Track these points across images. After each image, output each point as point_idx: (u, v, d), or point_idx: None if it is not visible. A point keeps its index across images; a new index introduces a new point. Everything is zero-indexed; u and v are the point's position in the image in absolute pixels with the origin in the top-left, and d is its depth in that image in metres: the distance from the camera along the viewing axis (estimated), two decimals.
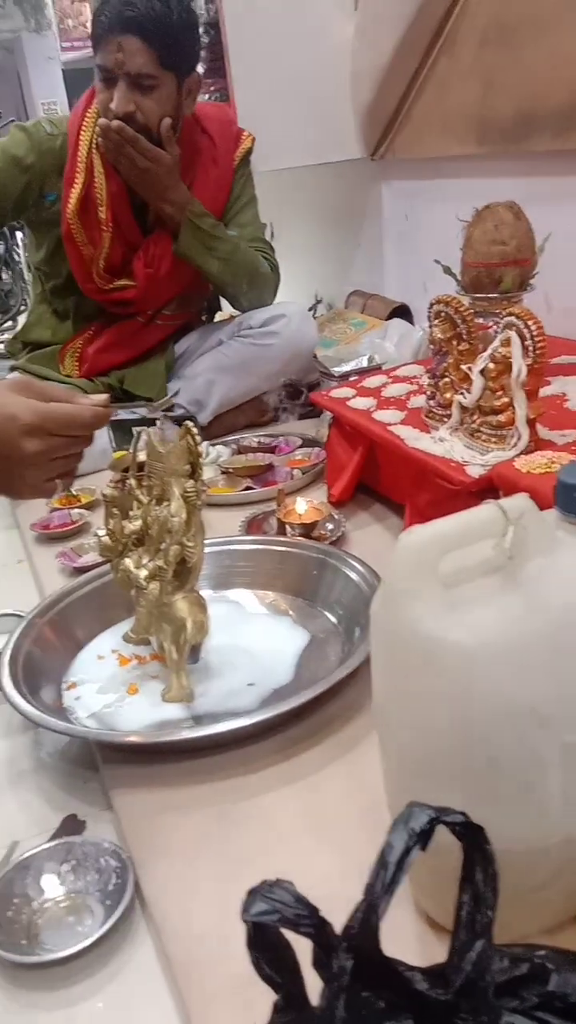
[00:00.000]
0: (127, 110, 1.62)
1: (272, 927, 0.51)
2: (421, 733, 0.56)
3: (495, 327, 1.18)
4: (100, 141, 1.69)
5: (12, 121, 5.10)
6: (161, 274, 1.83)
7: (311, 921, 0.49)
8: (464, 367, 1.21)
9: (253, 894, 0.50)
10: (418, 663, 0.55)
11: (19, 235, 4.99)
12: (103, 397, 0.86)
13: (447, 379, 1.25)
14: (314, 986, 0.53)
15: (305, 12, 2.03)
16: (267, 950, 0.51)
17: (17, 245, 5.04)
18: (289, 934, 0.51)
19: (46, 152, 1.76)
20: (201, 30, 2.19)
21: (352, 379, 1.66)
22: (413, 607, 0.54)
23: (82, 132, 1.75)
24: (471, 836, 0.51)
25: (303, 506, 1.35)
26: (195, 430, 0.99)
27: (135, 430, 1.82)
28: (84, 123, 1.76)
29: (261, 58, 2.04)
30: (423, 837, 0.50)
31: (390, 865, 0.49)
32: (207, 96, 2.26)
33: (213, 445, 1.78)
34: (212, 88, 2.25)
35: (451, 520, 0.54)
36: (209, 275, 1.85)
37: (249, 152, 1.89)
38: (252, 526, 1.41)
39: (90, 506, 1.61)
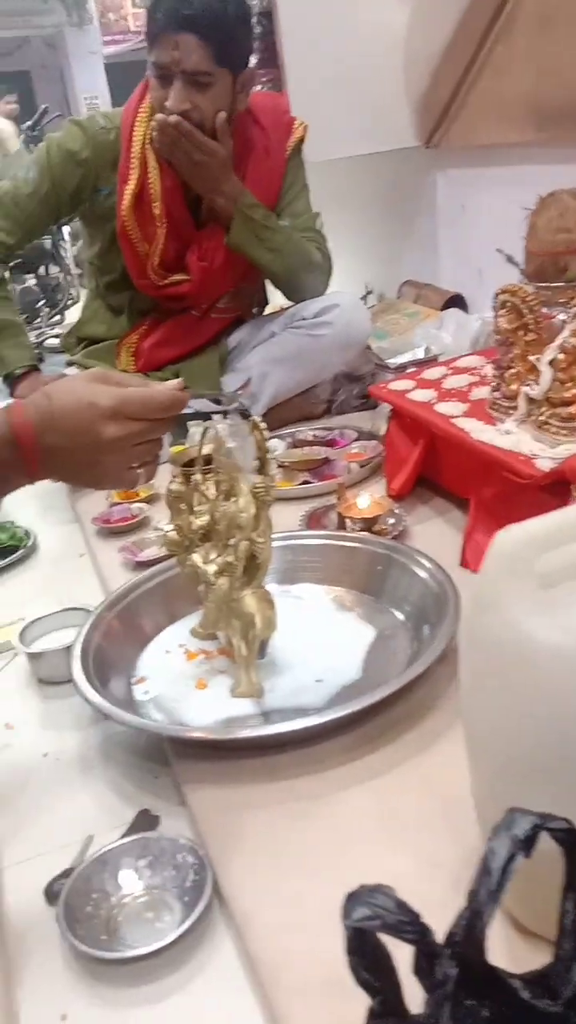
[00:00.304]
0: (183, 108, 1.62)
1: (371, 932, 0.50)
2: (514, 735, 0.55)
3: (563, 316, 1.16)
4: (155, 136, 1.69)
5: (58, 116, 5.16)
6: (215, 268, 1.83)
7: (414, 928, 0.48)
8: (531, 358, 1.19)
9: (353, 899, 0.49)
10: (513, 665, 0.54)
11: (66, 230, 5.04)
12: (177, 382, 0.86)
13: (513, 370, 1.23)
14: (410, 992, 0.52)
15: (359, 0, 2.00)
16: (366, 955, 0.51)
17: (64, 240, 5.08)
18: (388, 940, 0.51)
19: (100, 146, 1.77)
20: (254, 20, 2.19)
21: (409, 371, 1.64)
22: (509, 608, 0.53)
23: (135, 127, 1.75)
24: (575, 843, 0.50)
25: (365, 500, 1.34)
26: (263, 425, 0.98)
27: (190, 424, 1.84)
28: (137, 118, 1.76)
29: (314, 47, 2.02)
30: (527, 844, 0.49)
31: (494, 872, 0.48)
32: (260, 87, 2.25)
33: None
34: (265, 79, 2.24)
35: (547, 519, 0.53)
36: (262, 266, 1.85)
37: (301, 141, 1.87)
38: (312, 520, 1.40)
39: (149, 500, 1.62)
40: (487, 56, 1.85)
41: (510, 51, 1.78)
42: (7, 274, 1.84)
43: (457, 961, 0.47)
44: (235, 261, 1.84)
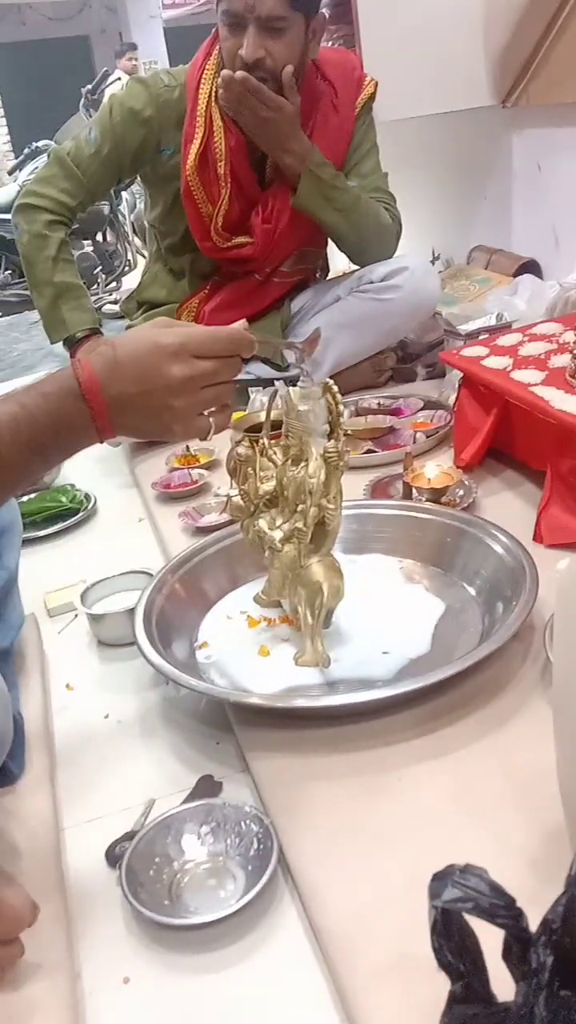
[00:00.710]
0: (258, 55, 1.57)
1: (458, 914, 0.48)
2: None
3: None
4: (221, 94, 1.65)
5: (117, 79, 5.12)
6: (280, 230, 1.79)
7: (508, 912, 0.45)
8: None
9: (442, 879, 0.47)
10: None
11: (124, 195, 5.02)
12: (242, 322, 0.83)
13: None
14: (496, 978, 0.50)
15: None
16: (451, 938, 0.48)
17: (122, 205, 5.07)
18: (473, 922, 0.48)
19: (164, 104, 1.73)
20: None
21: (482, 337, 1.58)
22: None
23: (201, 86, 1.71)
24: None
25: (433, 470, 1.30)
26: (335, 388, 0.95)
27: (251, 391, 1.81)
28: (203, 76, 1.71)
29: (389, 2, 1.94)
30: None
31: None
32: (331, 43, 2.18)
33: None
34: (337, 35, 2.17)
35: None
36: (328, 227, 1.80)
37: (371, 99, 1.81)
38: (377, 490, 1.37)
39: (209, 466, 1.60)
40: (572, 10, 1.76)
41: None
42: (69, 237, 1.82)
43: (553, 949, 0.44)
44: (299, 223, 1.79)
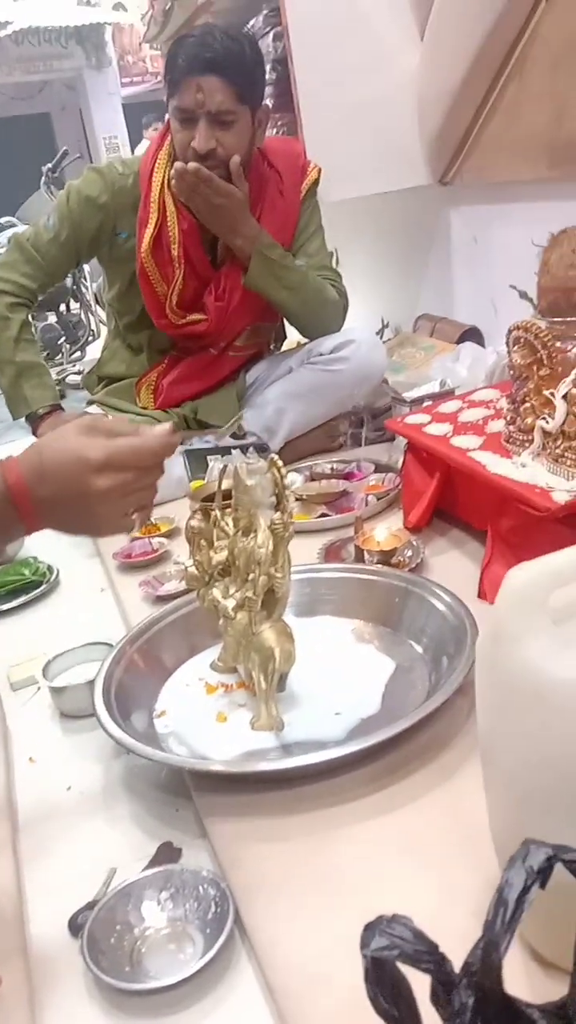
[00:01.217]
0: (210, 147, 1.68)
1: (390, 962, 0.51)
2: (531, 769, 0.56)
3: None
4: (174, 183, 1.74)
5: (78, 157, 5.28)
6: (232, 307, 1.87)
7: (431, 957, 0.49)
8: (546, 392, 1.20)
9: (371, 929, 0.50)
10: (529, 700, 0.55)
11: (86, 268, 5.13)
12: (168, 425, 0.87)
13: (528, 404, 1.24)
14: (429, 1021, 0.53)
15: (370, 44, 2.06)
16: (384, 985, 0.52)
17: (85, 278, 5.17)
18: (405, 968, 0.52)
19: (119, 191, 1.83)
20: (269, 67, 2.25)
21: (425, 404, 1.66)
22: (523, 644, 0.54)
23: (154, 174, 1.82)
24: None
25: (382, 533, 1.35)
26: (280, 463, 1.01)
27: (210, 459, 1.87)
28: (156, 164, 1.82)
29: (328, 91, 2.08)
30: (542, 875, 0.50)
31: (509, 903, 0.49)
32: (275, 131, 2.31)
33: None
34: (280, 122, 2.30)
35: (561, 555, 0.55)
36: (279, 305, 1.88)
37: (315, 183, 1.92)
38: (330, 553, 1.42)
39: (169, 535, 1.64)
40: (499, 96, 1.89)
41: (522, 91, 1.82)
42: (30, 317, 1.89)
43: (474, 990, 0.48)
44: (251, 301, 1.87)
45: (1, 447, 3.35)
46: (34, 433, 1.84)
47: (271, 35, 2.20)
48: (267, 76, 2.28)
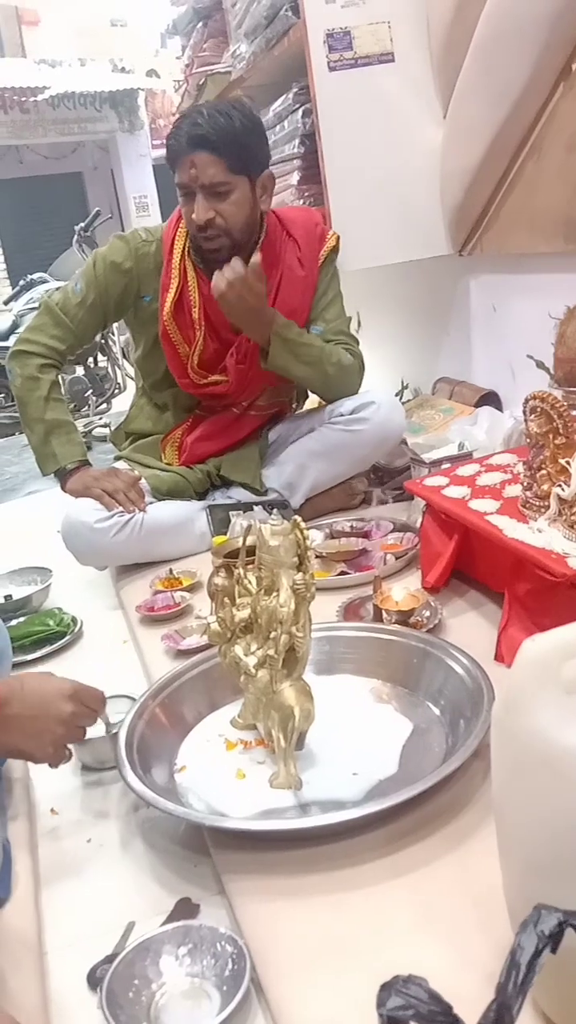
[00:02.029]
0: (208, 217, 1.75)
1: (405, 1022, 0.53)
2: (544, 835, 0.58)
3: None
4: (216, 295, 1.77)
5: (110, 218, 5.45)
6: (253, 370, 1.93)
7: (445, 1018, 0.50)
8: (562, 460, 1.24)
9: (387, 989, 0.52)
10: (540, 768, 0.57)
11: (114, 324, 5.26)
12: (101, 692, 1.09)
13: (544, 471, 1.28)
14: None
15: (396, 121, 2.15)
16: None
17: (112, 332, 5.30)
18: None
19: (142, 256, 1.92)
20: (297, 141, 2.35)
21: (444, 467, 1.70)
22: (536, 714, 0.56)
23: (176, 242, 1.90)
24: None
25: (400, 593, 1.38)
26: (303, 525, 1.04)
27: (232, 515, 1.91)
28: (177, 233, 1.91)
29: (354, 165, 2.16)
30: (553, 939, 0.52)
31: (521, 967, 0.51)
32: (303, 201, 2.40)
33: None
34: (307, 193, 2.38)
35: (574, 627, 0.57)
36: (299, 379, 1.95)
37: (334, 251, 1.98)
38: (349, 611, 1.44)
39: (191, 588, 1.68)
40: (518, 172, 1.96)
41: (539, 168, 1.89)
42: (60, 377, 1.96)
43: None
44: None
45: (25, 498, 3.43)
46: (63, 487, 1.89)
47: (300, 111, 2.30)
48: (295, 149, 2.38)
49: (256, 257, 1.76)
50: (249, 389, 1.97)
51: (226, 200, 1.75)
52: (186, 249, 1.88)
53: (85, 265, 1.96)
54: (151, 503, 1.87)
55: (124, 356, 5.23)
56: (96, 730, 1.20)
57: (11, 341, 5.65)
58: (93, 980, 0.83)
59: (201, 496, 1.98)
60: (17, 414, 2.00)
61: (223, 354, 1.93)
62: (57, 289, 1.99)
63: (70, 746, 1.04)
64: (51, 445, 1.88)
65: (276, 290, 1.88)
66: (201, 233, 1.77)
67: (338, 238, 1.98)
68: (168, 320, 1.89)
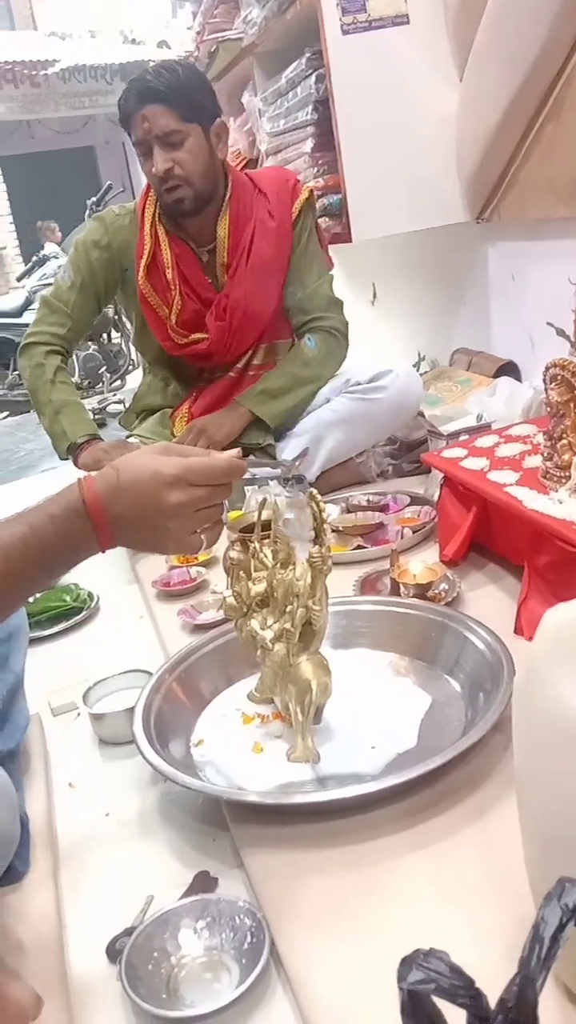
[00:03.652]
0: (167, 167, 1.78)
1: (426, 996, 0.52)
2: (567, 808, 0.57)
3: None
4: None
5: (121, 191, 5.40)
6: (234, 326, 1.93)
7: (467, 992, 0.50)
8: None
9: (408, 962, 0.51)
10: (563, 740, 0.56)
11: (109, 304, 5.24)
12: (236, 451, 0.91)
13: (564, 441, 1.25)
14: None
15: (411, 85, 2.10)
16: (420, 1019, 0.52)
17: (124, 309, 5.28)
18: (440, 1003, 0.52)
19: (117, 229, 1.95)
20: (311, 107, 2.31)
21: (462, 439, 1.67)
22: (558, 685, 0.55)
23: (146, 209, 1.93)
24: None
25: (418, 566, 1.36)
26: (319, 497, 1.03)
27: (247, 489, 1.90)
28: (148, 201, 1.93)
29: (368, 130, 2.12)
30: None
31: (545, 940, 0.50)
32: (316, 169, 2.36)
33: None
34: (321, 161, 2.34)
35: None
36: (300, 404, 1.98)
37: (307, 203, 1.97)
38: (366, 585, 1.43)
39: (207, 564, 1.67)
40: (537, 136, 1.91)
41: (559, 131, 1.84)
42: (71, 361, 1.98)
43: None
44: (255, 320, 1.94)
45: (40, 475, 3.43)
46: (75, 463, 1.88)
47: (313, 77, 2.25)
48: (308, 116, 2.34)
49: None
50: (234, 347, 1.97)
51: (182, 148, 1.79)
52: (156, 214, 1.92)
53: (69, 254, 2.02)
54: None
55: None
56: (113, 705, 1.21)
57: (25, 318, 5.67)
58: (112, 953, 0.83)
59: None
60: None
61: (204, 314, 1.93)
62: (50, 283, 2.04)
63: (214, 528, 0.88)
64: (60, 424, 1.90)
65: (250, 244, 1.91)
66: (163, 185, 1.81)
67: (311, 191, 2.00)
68: (143, 282, 1.93)
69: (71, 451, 1.89)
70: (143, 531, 0.83)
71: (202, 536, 0.87)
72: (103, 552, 0.84)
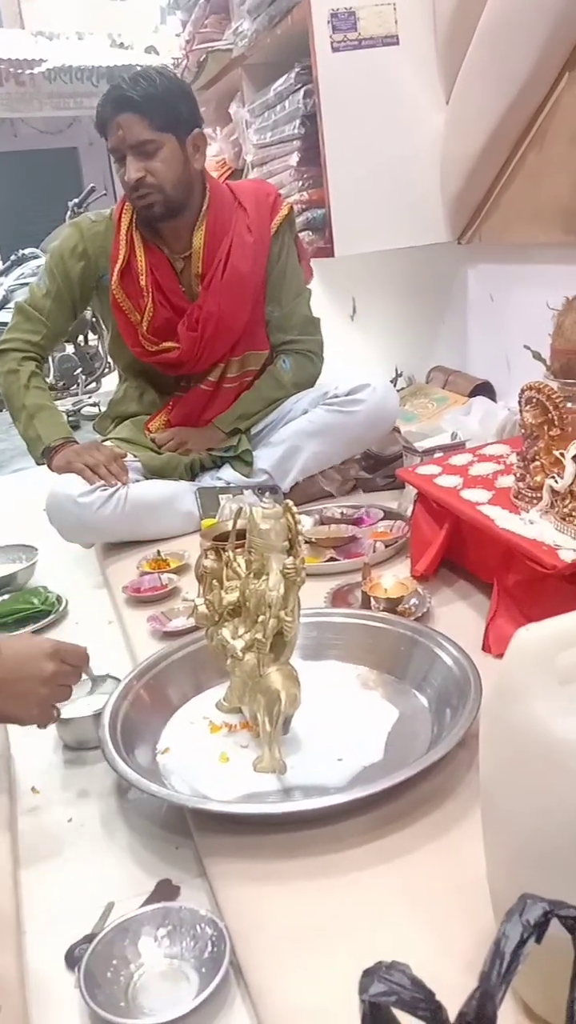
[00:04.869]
0: (138, 176, 1.78)
1: (387, 1008, 0.53)
2: (532, 824, 0.58)
3: None
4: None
5: (104, 195, 5.39)
6: (206, 336, 1.93)
7: (428, 1005, 0.50)
8: (556, 452, 1.23)
9: (370, 974, 0.52)
10: (533, 758, 0.57)
11: (85, 311, 5.22)
12: (85, 648, 1.08)
13: (538, 462, 1.27)
14: None
15: (398, 105, 2.13)
16: None
17: None
18: (401, 1015, 0.53)
19: (93, 236, 1.95)
20: (298, 121, 2.33)
21: (436, 455, 1.69)
22: (529, 704, 0.56)
23: (123, 216, 1.93)
24: None
25: (389, 580, 1.37)
26: (295, 509, 1.03)
27: (221, 497, 1.90)
28: (124, 209, 1.94)
29: (354, 148, 2.14)
30: (538, 929, 0.52)
31: (506, 955, 0.51)
32: (301, 183, 2.38)
33: None
34: (306, 175, 2.36)
35: (569, 617, 0.57)
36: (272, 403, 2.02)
37: (287, 220, 1.98)
38: (337, 598, 1.44)
39: (178, 571, 1.66)
40: (520, 161, 1.95)
41: (541, 158, 1.88)
42: (40, 367, 1.98)
43: None
44: (228, 330, 1.94)
45: (11, 475, 3.40)
46: (49, 467, 1.87)
47: (302, 91, 2.27)
48: (295, 130, 2.36)
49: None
50: (206, 357, 1.97)
51: (155, 158, 1.80)
52: (133, 221, 1.93)
53: (45, 261, 2.02)
54: (138, 481, 1.87)
55: None
56: (79, 710, 1.20)
57: (0, 315, 5.60)
58: (71, 959, 0.82)
59: (191, 477, 1.97)
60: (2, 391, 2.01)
61: (176, 322, 1.93)
62: (27, 283, 2.03)
63: (57, 709, 1.03)
64: (35, 428, 1.90)
65: (226, 257, 1.91)
66: (135, 193, 1.82)
67: (291, 208, 2.00)
68: (116, 288, 1.93)
69: (45, 454, 1.89)
70: (13, 694, 0.98)
71: (55, 709, 1.03)
72: None
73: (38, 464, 1.95)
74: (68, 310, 2.00)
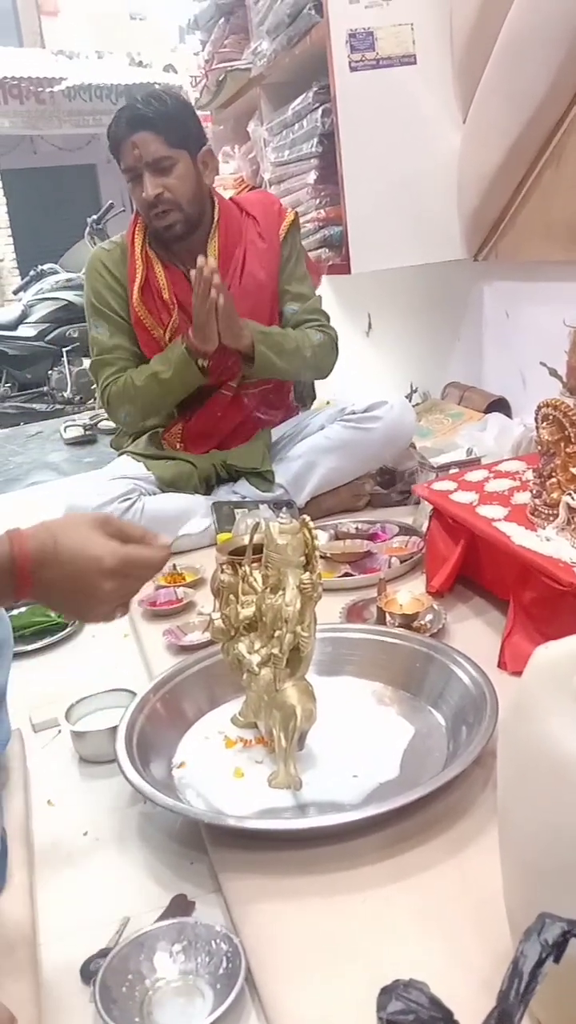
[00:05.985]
0: (156, 192, 1.82)
1: None
2: (551, 843, 0.58)
3: None
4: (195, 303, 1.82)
5: (121, 211, 5.45)
6: (225, 345, 1.93)
7: None
8: (572, 469, 1.23)
9: (388, 992, 0.52)
10: (550, 776, 0.57)
11: None
12: (168, 542, 0.92)
13: (554, 479, 1.27)
14: None
15: (415, 124, 2.14)
16: None
17: None
18: None
19: (114, 264, 1.99)
20: (316, 140, 2.35)
21: (452, 471, 1.69)
22: (547, 722, 0.56)
23: (136, 235, 1.97)
24: None
25: (405, 596, 1.37)
26: (311, 524, 1.04)
27: (237, 512, 1.90)
28: (136, 230, 1.97)
29: (371, 166, 2.16)
30: (557, 949, 0.51)
31: (524, 975, 0.51)
32: (318, 200, 2.40)
33: None
34: (323, 193, 2.38)
35: None
36: (282, 373, 1.98)
37: (293, 225, 2.02)
38: (352, 613, 1.44)
39: (194, 584, 1.67)
40: (536, 179, 1.96)
41: (558, 177, 1.88)
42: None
43: None
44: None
45: (27, 488, 3.42)
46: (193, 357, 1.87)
47: (320, 111, 2.29)
48: (313, 148, 2.38)
49: (219, 300, 1.78)
50: (228, 366, 1.97)
51: (171, 174, 1.84)
52: (146, 240, 1.96)
53: (87, 310, 2.04)
54: (154, 494, 1.89)
55: None
56: (95, 724, 1.20)
57: (20, 331, 5.64)
58: (87, 973, 0.82)
59: (207, 490, 1.98)
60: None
61: None
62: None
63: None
64: (169, 371, 1.88)
65: (242, 265, 1.95)
66: (153, 210, 1.85)
67: (296, 214, 2.06)
68: (138, 305, 1.95)
69: (196, 362, 1.88)
70: (67, 601, 0.86)
71: (117, 611, 0.90)
72: (15, 602, 0.86)
73: (203, 376, 1.90)
74: (132, 335, 2.00)
